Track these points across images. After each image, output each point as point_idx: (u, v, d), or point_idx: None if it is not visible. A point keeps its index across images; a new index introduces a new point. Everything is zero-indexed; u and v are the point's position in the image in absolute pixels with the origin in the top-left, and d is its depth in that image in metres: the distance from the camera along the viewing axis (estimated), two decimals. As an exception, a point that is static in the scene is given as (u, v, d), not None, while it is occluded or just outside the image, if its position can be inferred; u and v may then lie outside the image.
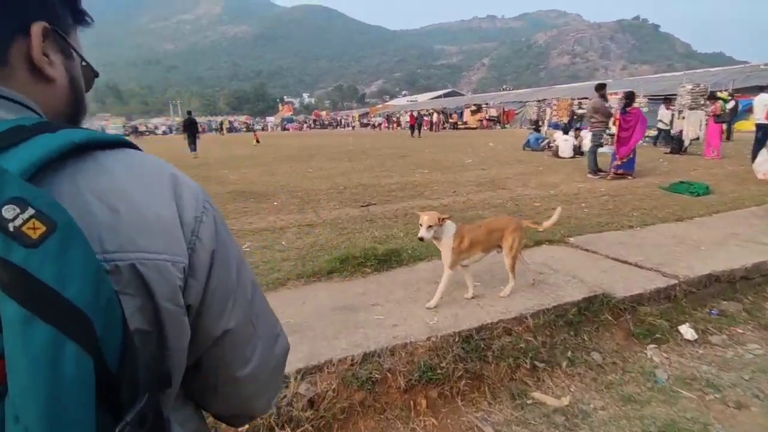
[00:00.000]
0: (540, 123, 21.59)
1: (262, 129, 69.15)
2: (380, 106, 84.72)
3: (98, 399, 0.36)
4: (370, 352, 2.39)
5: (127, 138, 0.56)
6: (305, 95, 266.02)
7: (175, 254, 0.48)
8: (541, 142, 14.27)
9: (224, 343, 0.56)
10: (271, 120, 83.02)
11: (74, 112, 0.58)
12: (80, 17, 0.58)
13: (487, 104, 43.45)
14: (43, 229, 0.35)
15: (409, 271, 3.67)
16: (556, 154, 12.20)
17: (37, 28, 0.48)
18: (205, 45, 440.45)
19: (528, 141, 14.95)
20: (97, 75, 0.62)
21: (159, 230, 0.47)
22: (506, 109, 38.35)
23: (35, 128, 0.42)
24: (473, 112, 42.74)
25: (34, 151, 0.39)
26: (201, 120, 71.45)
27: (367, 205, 6.49)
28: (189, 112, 20.83)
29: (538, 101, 31.92)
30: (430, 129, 36.50)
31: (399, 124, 51.60)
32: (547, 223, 3.24)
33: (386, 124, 53.75)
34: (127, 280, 0.44)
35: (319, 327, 2.71)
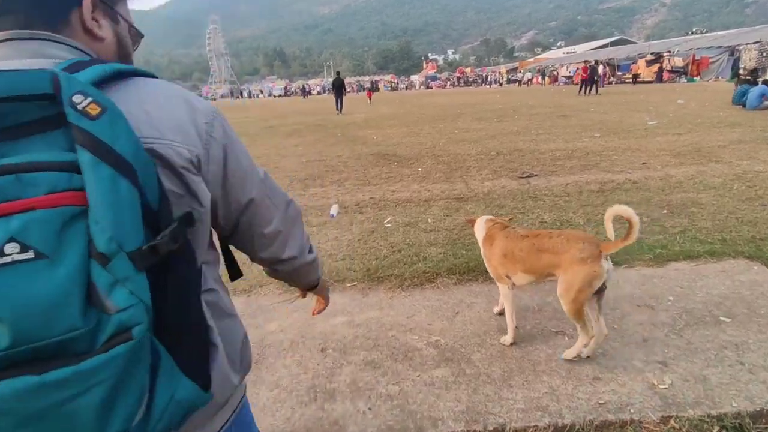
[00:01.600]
0: (759, 73, 16.61)
1: (407, 88, 69.35)
2: (531, 60, 77.11)
3: (145, 224, 0.54)
4: (563, 426, 1.56)
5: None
6: (450, 51, 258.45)
7: (188, 144, 0.67)
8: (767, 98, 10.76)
9: (249, 211, 0.78)
10: (415, 78, 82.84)
11: (122, 62, 0.77)
12: None
13: (669, 52, 35.95)
14: (99, 109, 0.53)
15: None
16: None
17: (87, 1, 0.69)
18: (357, 5, 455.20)
19: (741, 96, 11.48)
20: (142, 36, 0.84)
21: (175, 127, 0.66)
22: (697, 57, 31.04)
23: (92, 62, 0.63)
24: (649, 63, 35.88)
25: (92, 72, 0.59)
26: (350, 80, 74.95)
27: (527, 177, 5.39)
28: (337, 73, 21.67)
29: (758, 43, 24.61)
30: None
31: (555, 80, 46.39)
32: (626, 241, 1.83)
33: (538, 80, 48.75)
34: (154, 155, 0.62)
35: (479, 359, 1.96)
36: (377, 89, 54.96)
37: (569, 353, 1.92)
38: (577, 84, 38.92)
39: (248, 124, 16.37)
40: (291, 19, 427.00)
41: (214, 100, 77.92)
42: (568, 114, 12.92)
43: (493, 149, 7.43)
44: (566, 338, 2.09)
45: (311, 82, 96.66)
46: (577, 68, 44.61)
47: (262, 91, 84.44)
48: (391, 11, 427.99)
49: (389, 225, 3.81)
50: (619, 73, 39.50)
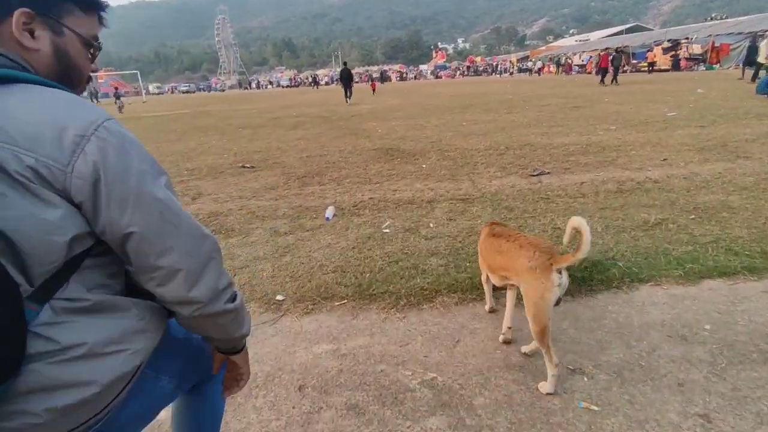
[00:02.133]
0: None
1: (415, 77, 68.52)
2: (542, 48, 75.48)
3: None
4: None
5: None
6: (460, 41, 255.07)
7: (39, 153, 0.66)
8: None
9: (134, 239, 0.74)
10: (424, 68, 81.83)
11: (63, 77, 0.81)
12: (90, 6, 0.83)
13: (687, 38, 34.85)
14: None
15: (625, 304, 2.31)
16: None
17: (17, 14, 0.72)
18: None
19: (766, 86, 10.90)
20: (99, 49, 0.86)
21: (31, 135, 0.66)
22: (716, 44, 29.97)
23: None
24: (666, 50, 34.82)
25: None
26: (359, 70, 74.19)
27: (538, 174, 5.03)
28: (344, 63, 21.45)
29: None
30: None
31: (569, 69, 45.36)
32: (577, 255, 1.57)
33: (549, 69, 47.68)
34: None
35: (482, 405, 1.65)
36: (388, 79, 54.17)
37: (546, 387, 1.71)
38: (589, 73, 38.07)
39: (253, 115, 16.09)
40: (299, 9, 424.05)
41: (223, 91, 77.91)
42: (582, 105, 12.43)
43: (503, 143, 7.06)
44: (585, 378, 1.78)
45: (320, 72, 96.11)
46: (590, 57, 43.63)
47: (270, 82, 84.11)
48: (399, 0, 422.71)
49: (387, 230, 3.50)
50: (634, 62, 38.47)
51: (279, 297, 2.51)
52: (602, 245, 2.95)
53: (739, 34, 29.45)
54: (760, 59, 14.85)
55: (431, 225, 3.57)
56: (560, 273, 1.63)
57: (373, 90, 26.98)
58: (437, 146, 7.21)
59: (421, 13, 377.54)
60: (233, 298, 0.88)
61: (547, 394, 1.69)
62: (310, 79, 62.65)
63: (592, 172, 5.05)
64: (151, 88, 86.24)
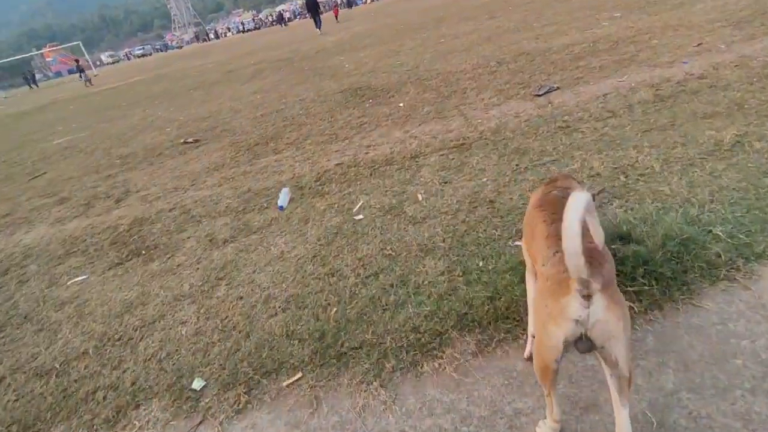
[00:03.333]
0: None
1: (381, -4, 63.33)
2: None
3: None
4: None
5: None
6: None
7: None
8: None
9: None
10: (389, -16, 75.57)
11: None
12: None
13: None
14: None
15: (748, 304, 1.39)
16: None
17: None
18: None
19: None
20: None
21: None
22: None
23: None
24: None
25: None
26: (320, -2, 68.40)
27: (545, 93, 3.93)
28: None
29: None
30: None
31: None
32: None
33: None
34: None
35: None
36: (354, 3, 49.79)
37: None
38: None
39: (207, 72, 14.39)
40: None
41: (180, 47, 72.55)
42: (571, -7, 10.76)
43: (492, 57, 5.81)
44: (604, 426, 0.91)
45: (279, 8, 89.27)
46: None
47: (229, 29, 78.35)
48: None
49: (361, 217, 2.52)
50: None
51: (197, 384, 1.59)
52: (672, 201, 1.98)
53: None
54: None
55: (419, 197, 2.58)
56: (588, 298, 0.88)
57: (336, 17, 24.85)
58: (415, 75, 5.97)
59: None
60: None
61: None
62: (273, 18, 57.81)
63: (612, 77, 3.93)
64: (104, 57, 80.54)
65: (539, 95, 3.90)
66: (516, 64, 5.20)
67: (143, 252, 2.78)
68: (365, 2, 58.50)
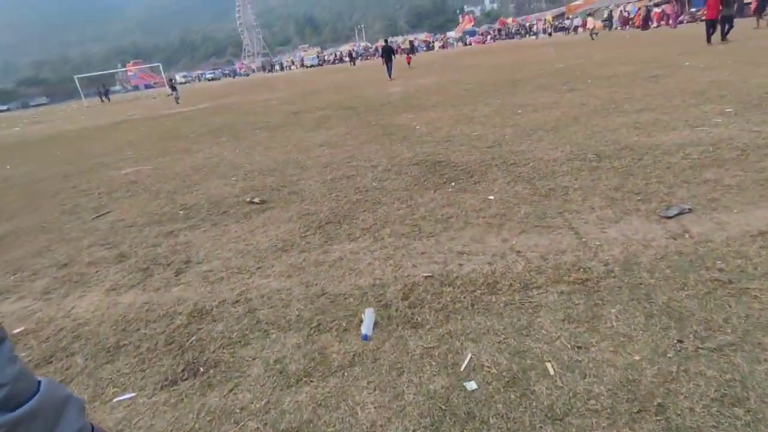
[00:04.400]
0: None
1: (443, 47, 65.05)
2: (579, 2, 69.22)
3: None
4: None
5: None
6: (487, 1, 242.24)
7: None
8: None
9: None
10: (451, 35, 77.77)
11: None
12: None
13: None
14: None
15: None
16: None
17: None
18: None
19: None
20: None
21: None
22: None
23: None
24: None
25: None
26: (381, 43, 71.12)
27: (675, 215, 3.34)
28: (386, 41, 23.53)
29: None
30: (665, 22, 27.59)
31: (626, 23, 41.12)
32: None
33: (587, 25, 43.42)
34: None
35: None
36: (415, 50, 51.39)
37: None
38: (638, 27, 34.13)
39: (271, 110, 14.68)
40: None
41: (248, 75, 76.95)
42: (658, 73, 10.24)
43: (588, 147, 5.29)
44: None
45: (344, 47, 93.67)
46: (639, 8, 39.27)
47: (293, 62, 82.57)
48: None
49: (474, 386, 1.98)
50: (692, 10, 34.37)
51: None
52: None
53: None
54: None
55: (549, 368, 2.02)
56: None
57: (408, 63, 26.80)
58: (499, 155, 5.53)
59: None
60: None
61: None
62: (336, 56, 60.45)
63: (762, 205, 3.30)
64: (178, 77, 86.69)
65: (668, 218, 3.31)
66: (620, 161, 4.64)
67: (201, 370, 2.35)
68: (425, 50, 60.18)
